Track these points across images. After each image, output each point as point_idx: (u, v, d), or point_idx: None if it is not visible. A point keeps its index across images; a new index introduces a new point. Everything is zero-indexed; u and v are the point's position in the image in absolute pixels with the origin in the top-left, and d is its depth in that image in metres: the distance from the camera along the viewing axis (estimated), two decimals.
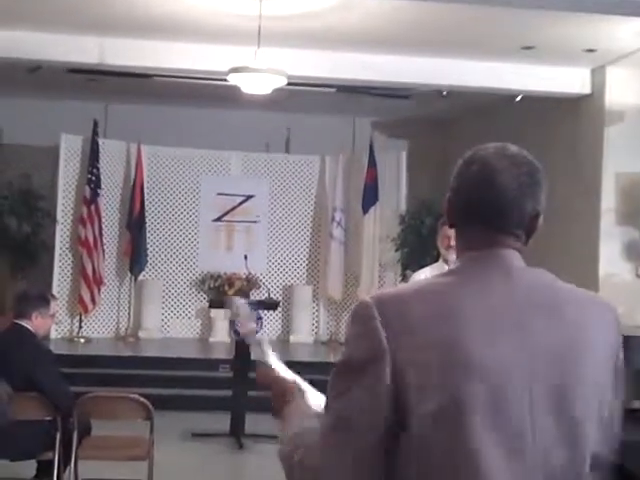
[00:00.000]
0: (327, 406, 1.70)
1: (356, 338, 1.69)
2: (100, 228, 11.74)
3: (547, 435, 1.66)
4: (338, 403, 1.66)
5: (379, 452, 1.64)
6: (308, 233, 13.01)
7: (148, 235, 12.31)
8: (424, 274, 5.48)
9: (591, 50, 8.87)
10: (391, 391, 1.61)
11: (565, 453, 1.67)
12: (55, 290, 11.59)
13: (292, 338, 12.37)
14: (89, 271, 11.54)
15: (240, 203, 12.87)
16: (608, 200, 9.48)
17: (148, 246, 12.28)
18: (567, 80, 9.80)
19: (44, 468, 5.58)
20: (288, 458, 1.73)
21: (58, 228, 11.84)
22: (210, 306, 10.72)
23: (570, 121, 10.27)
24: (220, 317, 11.89)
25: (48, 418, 5.40)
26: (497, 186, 1.74)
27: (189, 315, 12.69)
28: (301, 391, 1.94)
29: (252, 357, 2.18)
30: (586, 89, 9.84)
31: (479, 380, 1.61)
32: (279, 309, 11.05)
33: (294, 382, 1.99)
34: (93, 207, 11.66)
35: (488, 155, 1.78)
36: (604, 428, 1.75)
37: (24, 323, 5.56)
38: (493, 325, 1.66)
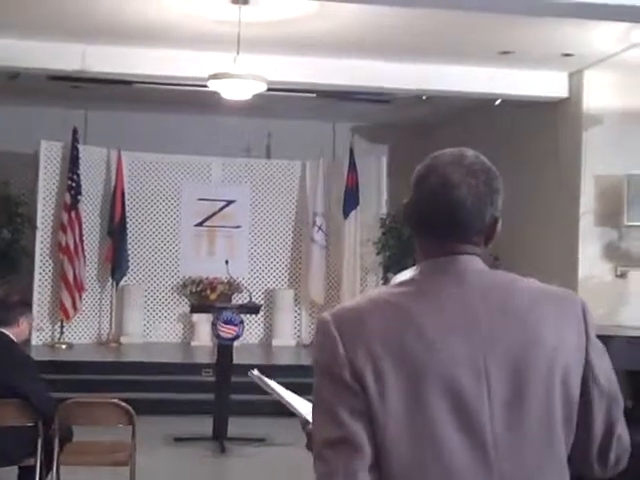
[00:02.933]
0: (313, 428, 1.76)
1: (319, 351, 1.76)
2: (81, 234, 11.71)
3: (508, 437, 1.69)
4: (320, 421, 1.73)
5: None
6: (289, 237, 13.04)
7: (129, 241, 12.30)
8: (405, 277, 5.52)
9: (569, 54, 8.94)
10: (357, 391, 1.67)
11: (528, 449, 1.71)
12: (36, 296, 11.59)
13: (274, 342, 12.39)
14: (70, 277, 11.52)
15: (221, 208, 12.87)
16: (587, 202, 9.56)
17: (129, 252, 12.27)
18: (545, 84, 9.86)
19: (25, 474, 5.56)
20: None
21: (38, 234, 11.80)
22: (192, 311, 10.71)
23: (549, 125, 10.33)
24: (202, 321, 11.88)
25: (29, 424, 5.39)
26: (454, 200, 1.75)
27: (171, 320, 12.68)
28: None
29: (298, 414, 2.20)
30: (564, 93, 9.91)
31: (433, 385, 1.66)
32: (261, 313, 11.06)
33: None
34: (74, 213, 11.64)
35: (445, 166, 1.78)
36: (571, 426, 1.76)
37: (4, 330, 5.55)
38: (446, 330, 1.70)
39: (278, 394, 2.21)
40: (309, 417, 2.11)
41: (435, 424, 1.66)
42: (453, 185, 1.76)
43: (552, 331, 1.74)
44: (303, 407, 2.14)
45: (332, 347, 1.70)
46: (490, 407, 1.68)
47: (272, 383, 2.25)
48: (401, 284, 1.81)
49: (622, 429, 1.83)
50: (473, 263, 1.78)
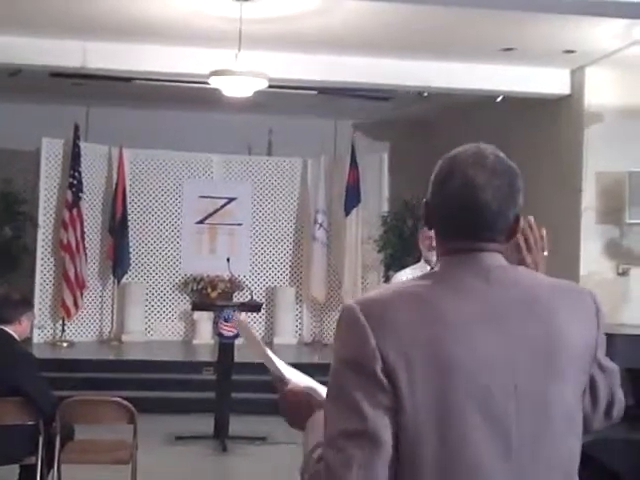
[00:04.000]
0: (327, 417, 1.70)
1: (346, 341, 1.71)
2: (82, 232, 11.70)
3: (532, 432, 1.70)
4: (338, 412, 1.68)
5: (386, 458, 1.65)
6: (291, 235, 13.03)
7: (131, 238, 12.30)
8: (405, 275, 5.54)
9: (570, 51, 8.93)
10: (385, 385, 1.64)
11: (550, 447, 1.72)
12: (37, 294, 11.59)
13: (276, 340, 12.37)
14: (71, 275, 11.51)
15: (222, 206, 12.87)
16: (588, 199, 9.54)
17: (131, 249, 12.27)
18: (547, 81, 9.85)
19: (27, 472, 5.56)
20: (305, 474, 1.74)
21: (40, 232, 11.80)
22: (193, 309, 10.71)
23: (550, 122, 10.32)
24: (203, 319, 11.89)
25: (31, 422, 5.39)
26: (481, 204, 1.76)
27: (172, 318, 12.68)
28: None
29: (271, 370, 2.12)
30: (566, 90, 9.90)
31: (462, 380, 1.65)
32: (262, 311, 11.05)
33: (310, 389, 1.97)
34: (75, 211, 11.63)
35: (467, 168, 1.77)
36: (581, 413, 1.81)
37: (6, 328, 5.54)
38: (472, 326, 1.69)
39: (261, 349, 2.10)
40: (287, 375, 2.04)
41: (462, 421, 1.65)
42: (479, 188, 1.76)
43: (570, 326, 1.76)
44: (282, 367, 2.06)
45: (362, 338, 1.66)
46: (517, 404, 1.68)
47: (258, 336, 2.15)
48: (425, 277, 1.80)
49: (620, 392, 1.93)
50: (495, 259, 1.79)
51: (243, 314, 2.33)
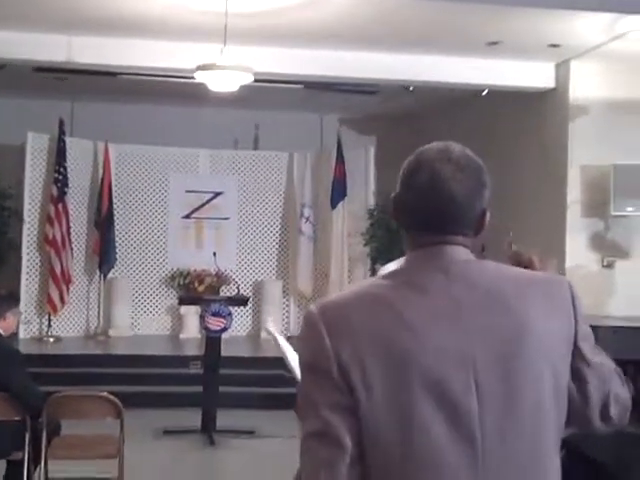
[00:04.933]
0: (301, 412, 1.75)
1: (305, 343, 1.76)
2: (68, 227, 11.67)
3: (499, 426, 1.69)
4: (305, 414, 1.73)
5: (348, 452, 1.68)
6: (277, 229, 13.04)
7: (117, 233, 12.27)
8: (392, 268, 5.55)
9: (555, 45, 8.95)
10: (342, 386, 1.67)
11: (517, 440, 1.71)
12: (23, 290, 11.55)
13: (263, 334, 12.37)
14: (57, 270, 11.48)
15: (209, 200, 12.86)
16: (574, 192, 9.58)
17: (117, 244, 12.24)
18: (532, 75, 9.87)
19: (14, 468, 5.56)
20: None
21: (25, 227, 11.76)
22: (180, 303, 10.69)
23: (535, 115, 10.35)
24: (190, 314, 11.88)
25: (17, 418, 5.39)
26: (445, 196, 1.77)
27: (159, 312, 12.66)
28: None
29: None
30: (551, 83, 9.92)
31: (416, 376, 1.66)
32: (249, 305, 11.06)
33: None
34: (61, 206, 11.59)
35: (433, 162, 1.79)
36: (562, 410, 1.78)
37: None
38: (428, 322, 1.70)
39: (284, 354, 2.17)
40: None
41: (422, 417, 1.65)
42: (443, 181, 1.77)
43: (540, 319, 1.74)
44: None
45: (318, 340, 1.70)
46: (478, 398, 1.67)
47: (282, 341, 2.22)
48: (387, 276, 1.82)
49: (619, 389, 1.87)
50: (459, 253, 1.79)
51: (271, 323, 2.38)
